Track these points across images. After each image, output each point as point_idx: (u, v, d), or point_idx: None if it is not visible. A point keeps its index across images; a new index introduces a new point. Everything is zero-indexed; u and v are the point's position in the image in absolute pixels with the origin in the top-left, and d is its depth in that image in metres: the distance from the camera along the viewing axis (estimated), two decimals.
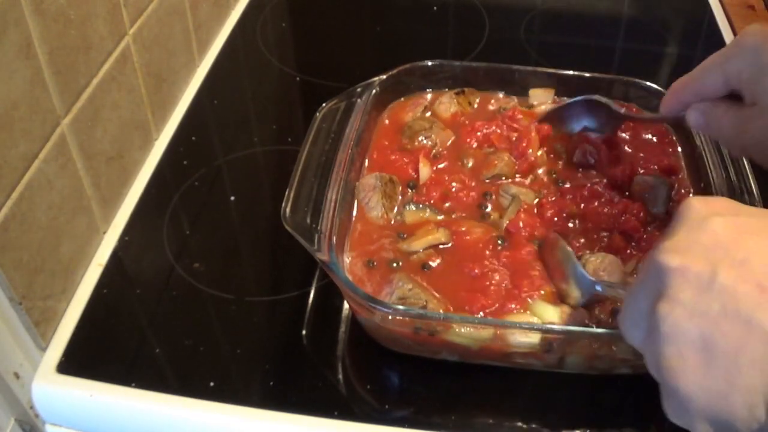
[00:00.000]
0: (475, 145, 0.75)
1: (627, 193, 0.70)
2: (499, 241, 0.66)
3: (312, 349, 0.66)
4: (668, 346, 0.39)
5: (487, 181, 0.71)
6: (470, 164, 0.73)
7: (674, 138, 0.76)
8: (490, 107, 0.79)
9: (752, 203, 0.63)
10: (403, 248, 0.65)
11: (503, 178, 0.71)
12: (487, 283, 0.62)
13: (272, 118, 0.92)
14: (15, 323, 0.61)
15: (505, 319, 0.60)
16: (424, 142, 0.75)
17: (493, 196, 0.70)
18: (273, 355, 0.65)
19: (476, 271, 0.63)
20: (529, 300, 0.61)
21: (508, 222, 0.67)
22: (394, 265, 0.64)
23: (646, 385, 0.61)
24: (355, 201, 0.69)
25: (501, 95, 0.80)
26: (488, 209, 0.69)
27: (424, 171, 0.71)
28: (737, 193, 0.64)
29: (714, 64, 0.55)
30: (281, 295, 0.70)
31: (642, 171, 0.72)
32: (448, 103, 0.78)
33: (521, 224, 0.66)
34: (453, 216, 0.68)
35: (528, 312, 0.60)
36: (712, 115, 0.56)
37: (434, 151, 0.74)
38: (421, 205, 0.69)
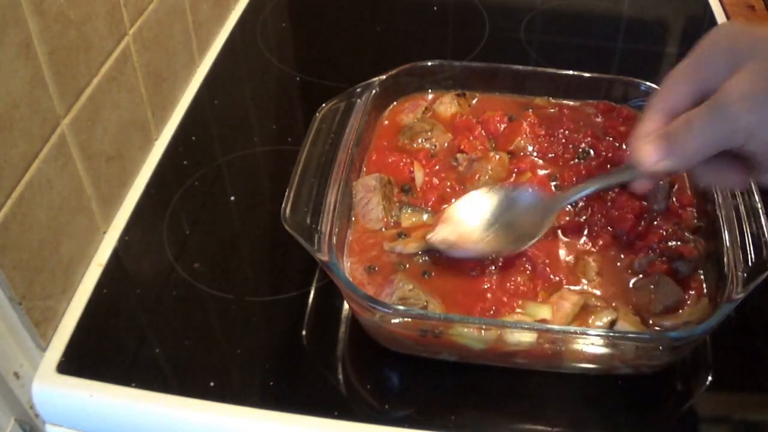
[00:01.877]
0: (460, 157, 0.73)
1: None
2: None
3: (312, 349, 0.66)
4: None
5: None
6: (461, 169, 0.72)
7: None
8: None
9: (752, 203, 0.63)
10: (396, 248, 0.64)
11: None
12: (485, 285, 0.62)
13: (272, 118, 0.92)
14: (15, 323, 0.61)
15: (501, 318, 0.60)
16: (424, 144, 0.74)
17: None
18: (273, 355, 0.65)
19: (477, 270, 0.63)
20: (521, 301, 0.61)
21: None
22: (401, 267, 0.64)
23: (646, 385, 0.62)
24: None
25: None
26: None
27: (419, 175, 0.71)
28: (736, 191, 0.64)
29: None
30: (281, 295, 0.70)
31: None
32: (449, 104, 0.78)
33: None
34: None
35: (522, 311, 0.61)
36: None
37: (432, 151, 0.74)
38: (417, 208, 0.68)
